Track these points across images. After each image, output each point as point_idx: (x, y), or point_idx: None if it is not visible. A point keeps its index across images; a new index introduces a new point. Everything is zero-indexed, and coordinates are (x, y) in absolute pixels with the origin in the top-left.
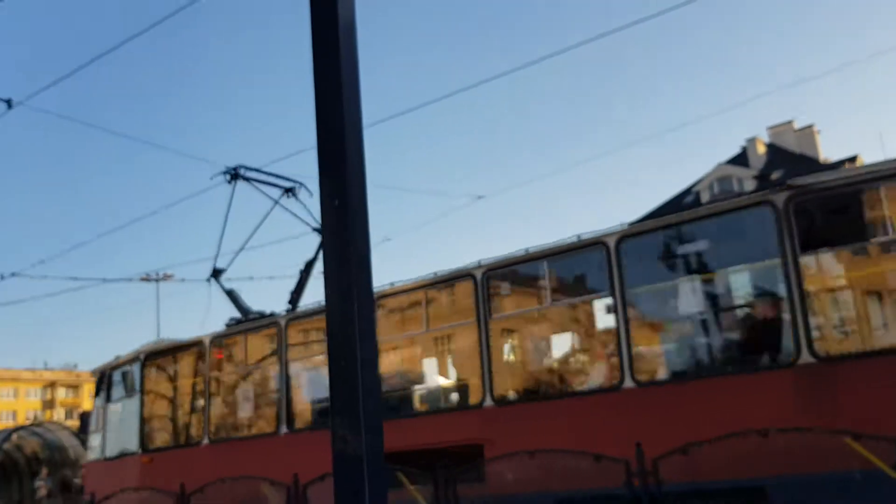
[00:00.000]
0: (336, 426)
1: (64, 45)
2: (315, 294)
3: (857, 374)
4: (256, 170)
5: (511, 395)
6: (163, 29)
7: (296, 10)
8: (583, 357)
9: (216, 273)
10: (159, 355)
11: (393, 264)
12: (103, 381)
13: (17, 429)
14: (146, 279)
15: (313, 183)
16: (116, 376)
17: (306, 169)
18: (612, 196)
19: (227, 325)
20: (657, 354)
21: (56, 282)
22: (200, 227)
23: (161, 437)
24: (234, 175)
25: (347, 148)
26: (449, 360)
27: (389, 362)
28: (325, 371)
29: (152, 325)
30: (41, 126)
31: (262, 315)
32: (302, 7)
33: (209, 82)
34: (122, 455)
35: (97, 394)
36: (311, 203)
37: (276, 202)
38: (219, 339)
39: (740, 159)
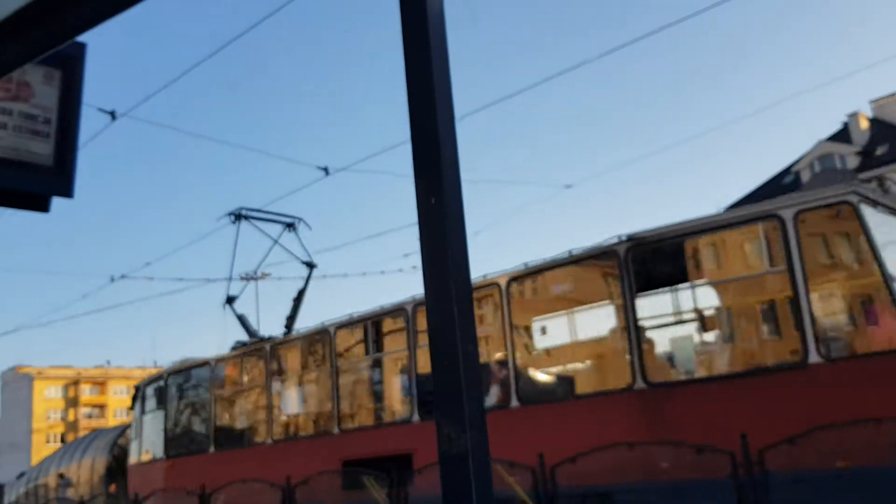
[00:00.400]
0: (441, 425)
1: (160, 56)
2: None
3: (682, 397)
4: (258, 210)
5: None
6: (254, 34)
7: (385, 5)
8: None
9: (230, 300)
10: (180, 373)
11: (482, 258)
12: (138, 395)
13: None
14: (245, 278)
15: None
16: (149, 391)
17: (404, 164)
18: (707, 179)
19: (232, 349)
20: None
21: (162, 283)
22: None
23: (182, 445)
24: (238, 216)
25: (442, 144)
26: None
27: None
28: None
29: (253, 321)
30: (144, 135)
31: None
32: (391, 3)
33: (301, 84)
34: (153, 460)
35: (132, 406)
36: (308, 236)
37: (276, 241)
38: (223, 360)
39: (842, 136)
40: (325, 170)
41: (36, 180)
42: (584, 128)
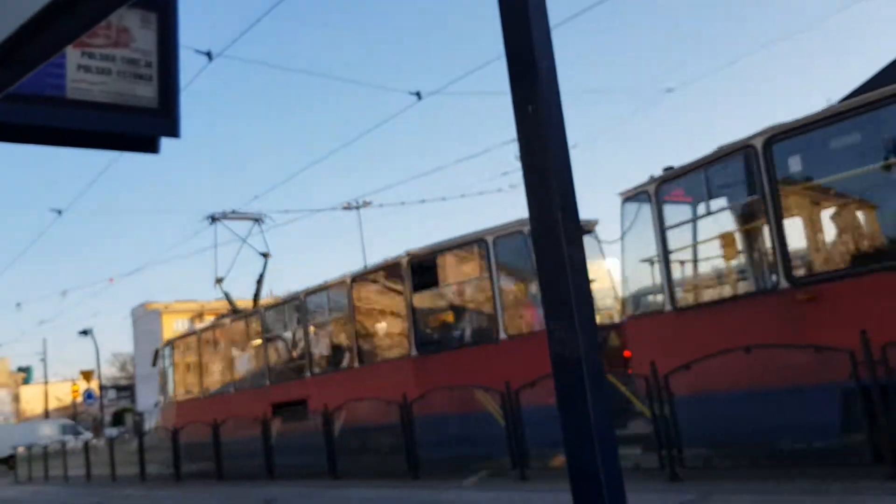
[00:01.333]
0: (552, 328)
1: None
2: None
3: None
4: (232, 211)
5: None
6: None
7: None
8: None
9: (219, 280)
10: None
11: (583, 171)
12: (159, 354)
13: None
14: (348, 207)
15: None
16: (167, 350)
17: (497, 82)
18: (812, 77)
19: (218, 319)
20: None
21: (271, 215)
22: (392, 153)
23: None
24: (213, 219)
25: (536, 48)
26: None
27: None
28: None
29: (359, 250)
30: (239, 74)
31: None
32: None
33: (387, 10)
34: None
35: (154, 364)
36: (268, 229)
37: (244, 240)
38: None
39: None
40: (418, 94)
41: (143, 122)
42: (685, 26)
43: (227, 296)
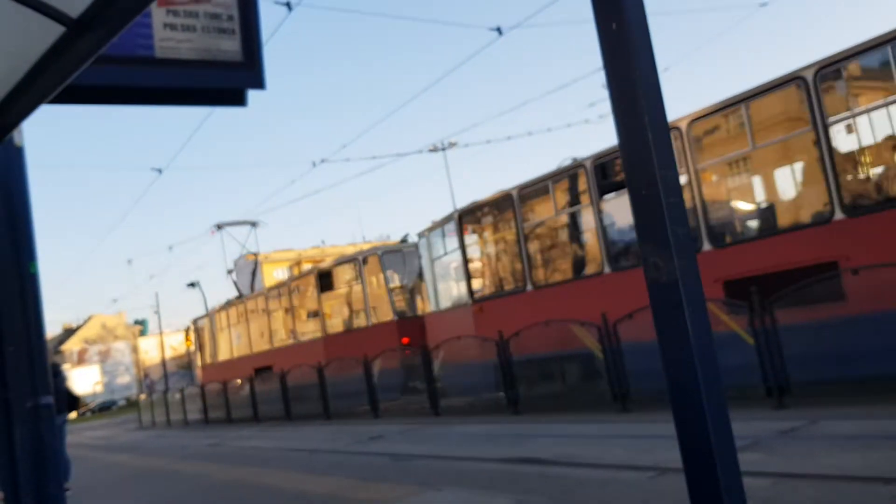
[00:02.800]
0: (646, 254)
1: None
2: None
3: None
4: (233, 221)
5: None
6: None
7: None
8: None
9: (230, 271)
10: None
11: (675, 95)
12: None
13: None
14: (434, 150)
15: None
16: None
17: (579, 10)
18: None
19: (223, 305)
20: None
21: (357, 163)
22: (476, 92)
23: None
24: (219, 227)
25: None
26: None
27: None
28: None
29: (447, 192)
30: (320, 23)
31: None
32: None
33: None
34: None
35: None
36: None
37: (243, 245)
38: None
39: None
40: (498, 30)
41: (230, 76)
42: None
43: (235, 284)
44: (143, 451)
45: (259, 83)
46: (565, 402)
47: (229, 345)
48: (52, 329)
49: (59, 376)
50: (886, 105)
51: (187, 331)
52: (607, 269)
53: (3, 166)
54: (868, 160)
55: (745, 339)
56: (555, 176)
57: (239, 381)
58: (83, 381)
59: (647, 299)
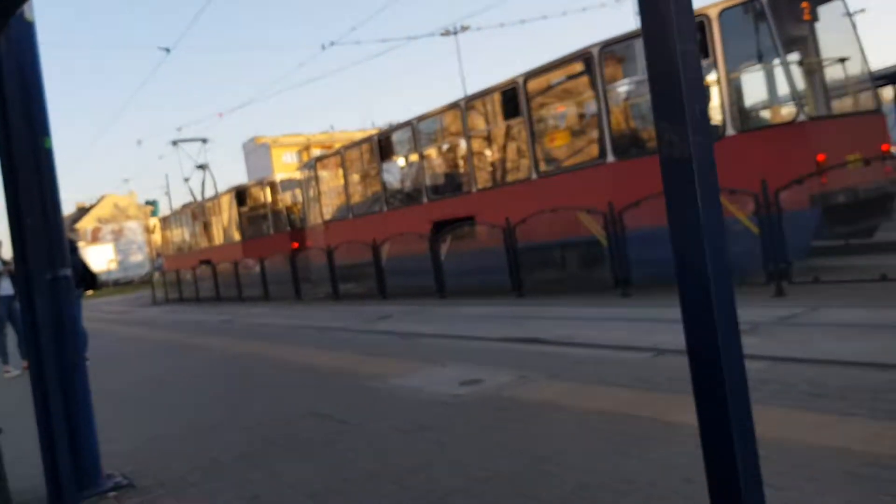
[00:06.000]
0: (662, 131)
1: None
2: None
3: None
4: (187, 138)
5: None
6: None
7: None
8: None
9: (186, 179)
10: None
11: None
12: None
13: None
14: (446, 33)
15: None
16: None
17: None
18: None
19: (180, 209)
20: None
21: (368, 46)
22: None
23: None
24: (175, 143)
25: None
26: None
27: None
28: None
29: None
30: None
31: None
32: None
33: None
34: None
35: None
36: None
37: (204, 164)
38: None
39: None
40: None
41: None
42: None
43: (191, 191)
44: (157, 326)
45: None
46: (569, 286)
47: (182, 240)
48: (66, 208)
49: (75, 253)
50: None
51: (153, 226)
52: (611, 159)
53: (15, 39)
54: None
55: (750, 228)
56: (563, 63)
57: (251, 261)
58: (98, 258)
59: (642, 190)
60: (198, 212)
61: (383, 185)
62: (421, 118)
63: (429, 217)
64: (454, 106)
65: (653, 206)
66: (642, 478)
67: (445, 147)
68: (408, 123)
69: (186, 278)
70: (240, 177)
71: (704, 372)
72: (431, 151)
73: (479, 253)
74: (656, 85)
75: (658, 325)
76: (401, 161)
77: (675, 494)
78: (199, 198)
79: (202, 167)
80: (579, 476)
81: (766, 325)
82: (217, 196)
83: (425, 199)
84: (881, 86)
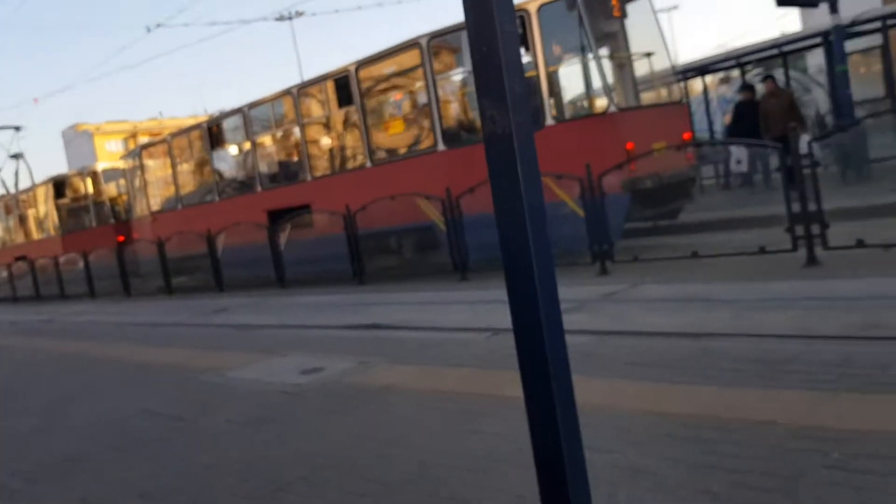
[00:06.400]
0: (484, 107)
1: None
2: None
3: None
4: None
5: None
6: None
7: None
8: None
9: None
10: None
11: None
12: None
13: None
14: (280, 18)
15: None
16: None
17: None
18: None
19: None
20: None
21: (198, 28)
22: None
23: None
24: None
25: None
26: None
27: None
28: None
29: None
30: None
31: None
32: None
33: None
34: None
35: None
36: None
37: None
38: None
39: None
40: None
41: None
42: None
43: (2, 182)
44: None
45: None
46: (410, 272)
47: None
48: None
49: None
50: None
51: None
52: (441, 147)
53: None
54: None
55: (576, 211)
56: (393, 52)
57: (75, 256)
58: None
59: (474, 177)
60: (11, 205)
61: (215, 173)
62: (252, 105)
63: (263, 206)
64: (287, 93)
65: (487, 194)
66: (478, 451)
67: (279, 135)
68: (239, 110)
69: (1, 276)
70: (60, 167)
71: (529, 349)
72: (265, 139)
73: (320, 241)
74: (478, 65)
75: (494, 306)
76: (233, 149)
77: (507, 463)
78: (12, 190)
79: (16, 157)
80: (420, 455)
81: (592, 302)
82: (33, 187)
83: (259, 188)
84: (691, 77)
